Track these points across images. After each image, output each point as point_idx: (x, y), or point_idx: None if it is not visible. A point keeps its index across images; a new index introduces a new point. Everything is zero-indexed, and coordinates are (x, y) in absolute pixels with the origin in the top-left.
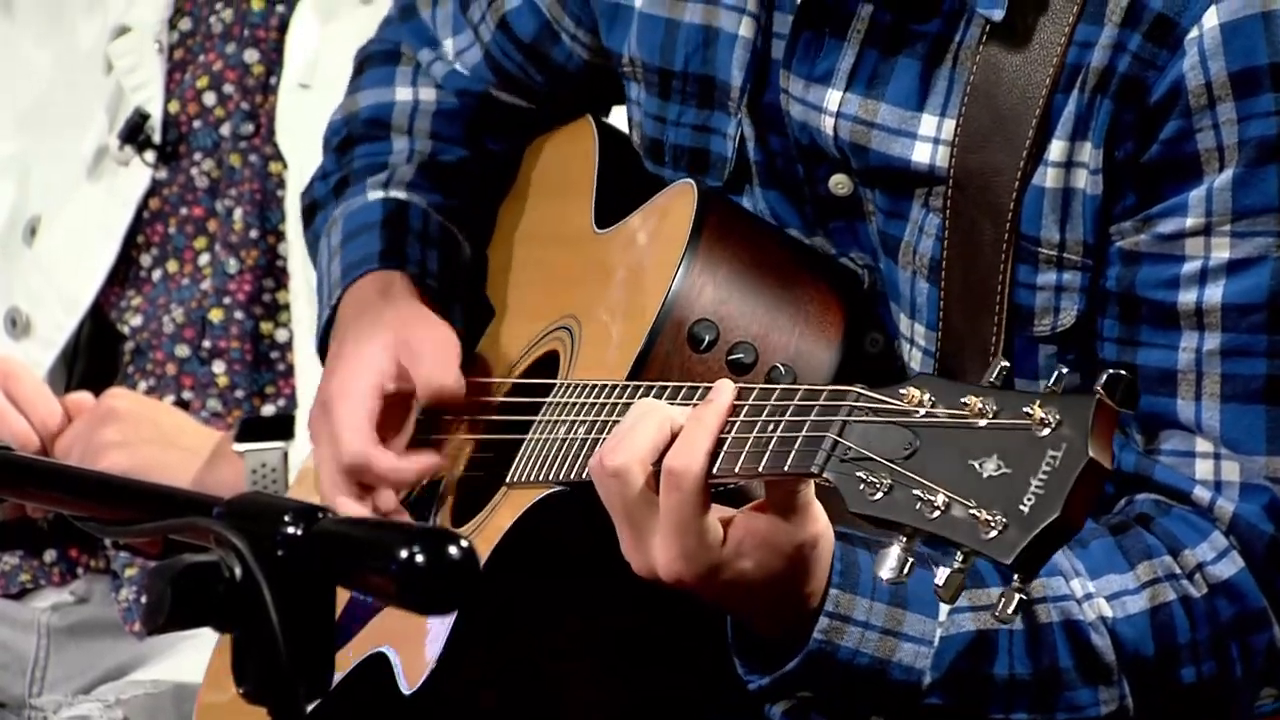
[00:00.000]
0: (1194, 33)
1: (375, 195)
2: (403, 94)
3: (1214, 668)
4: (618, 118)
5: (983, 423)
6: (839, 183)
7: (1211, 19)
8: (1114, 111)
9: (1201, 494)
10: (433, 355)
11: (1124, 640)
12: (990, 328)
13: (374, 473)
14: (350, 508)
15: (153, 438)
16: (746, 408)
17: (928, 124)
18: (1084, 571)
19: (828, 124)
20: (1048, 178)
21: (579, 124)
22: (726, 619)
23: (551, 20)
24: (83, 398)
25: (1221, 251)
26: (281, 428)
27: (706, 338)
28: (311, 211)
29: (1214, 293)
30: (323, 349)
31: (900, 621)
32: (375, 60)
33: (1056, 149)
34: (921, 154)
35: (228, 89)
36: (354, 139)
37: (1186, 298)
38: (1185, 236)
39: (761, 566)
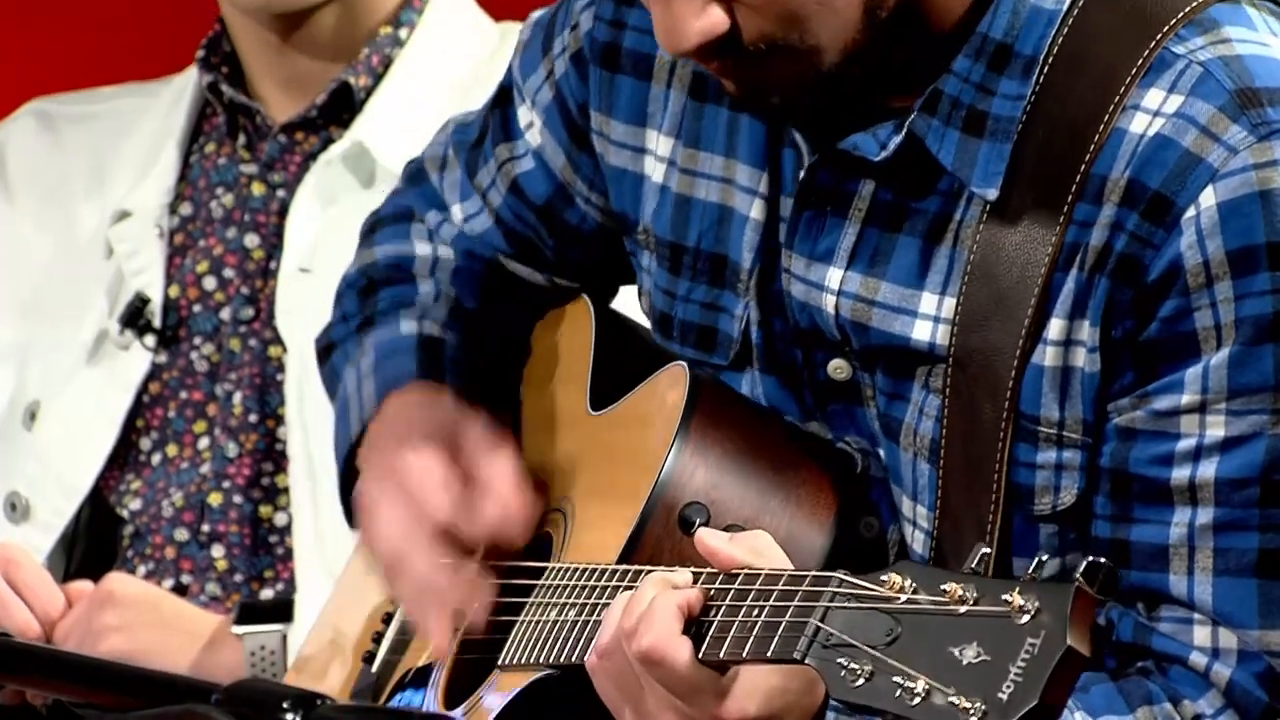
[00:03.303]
0: (1191, 212)
1: (409, 328)
2: (421, 249)
3: None
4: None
5: (963, 609)
6: (838, 367)
7: (1209, 198)
8: (1112, 290)
9: (1198, 659)
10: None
11: None
12: (988, 507)
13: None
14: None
15: (152, 621)
16: (733, 591)
17: (928, 302)
18: (1084, 710)
19: (829, 302)
20: (1047, 356)
21: (576, 305)
22: None
23: (565, 183)
24: (83, 585)
25: (1216, 430)
26: (280, 611)
27: (697, 521)
28: (328, 351)
29: (1207, 469)
30: (347, 472)
31: None
32: (387, 221)
33: (1056, 327)
34: (922, 332)
35: (228, 273)
36: (377, 283)
37: (1180, 474)
38: (1180, 414)
39: (764, 710)
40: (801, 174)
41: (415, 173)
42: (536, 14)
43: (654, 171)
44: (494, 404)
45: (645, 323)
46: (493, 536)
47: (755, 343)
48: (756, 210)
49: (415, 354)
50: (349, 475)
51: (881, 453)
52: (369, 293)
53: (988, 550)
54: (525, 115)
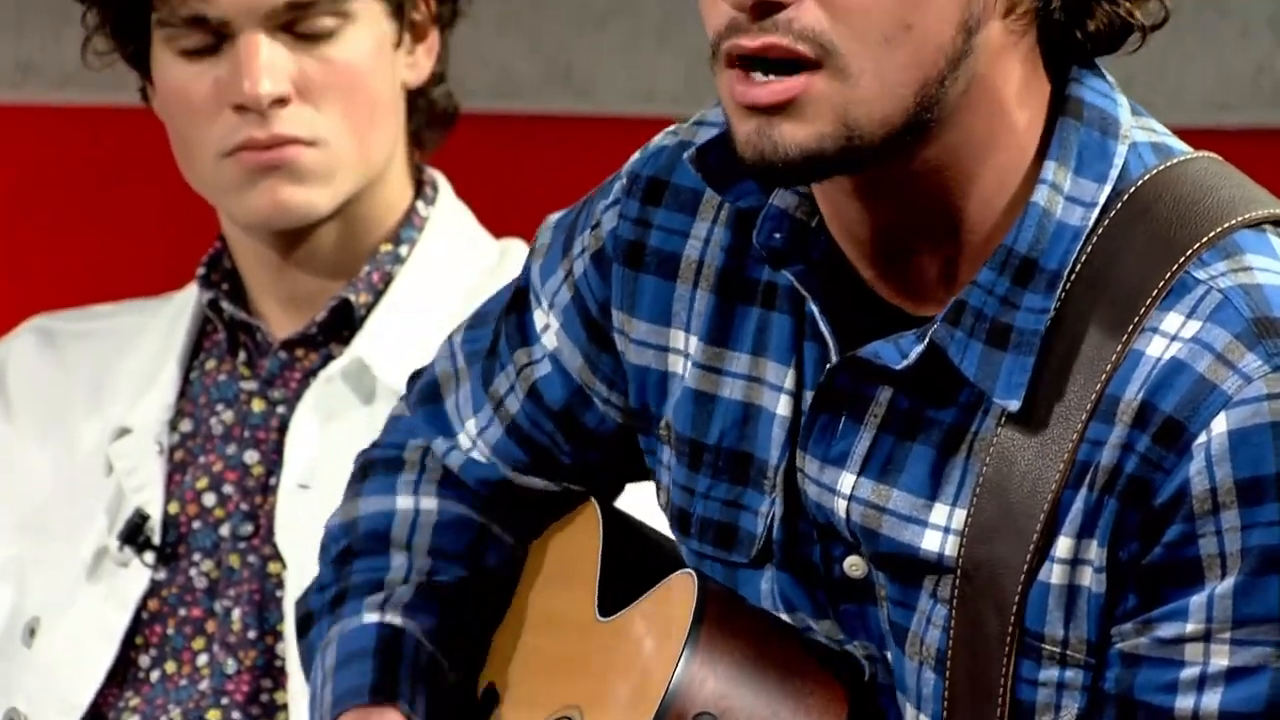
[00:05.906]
0: (1202, 438)
1: (371, 618)
2: (404, 503)
3: None
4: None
5: None
6: (854, 564)
7: (1220, 425)
8: (1120, 511)
9: None
10: None
11: None
12: None
13: None
14: None
15: None
16: None
17: (939, 513)
18: None
19: (840, 506)
20: (1054, 574)
21: (584, 508)
22: None
23: (583, 385)
24: None
25: (1221, 659)
26: None
27: None
28: (307, 622)
29: (1211, 700)
30: None
31: None
32: (377, 466)
33: (1063, 546)
34: (931, 542)
35: (227, 489)
36: (353, 552)
37: (1184, 704)
38: (1185, 642)
39: None
40: (822, 378)
41: (429, 392)
42: (555, 216)
43: (678, 367)
44: (438, 710)
45: (655, 519)
46: None
47: (776, 539)
48: (783, 407)
49: (372, 660)
50: None
51: (889, 656)
52: (345, 561)
53: None
54: (541, 319)
